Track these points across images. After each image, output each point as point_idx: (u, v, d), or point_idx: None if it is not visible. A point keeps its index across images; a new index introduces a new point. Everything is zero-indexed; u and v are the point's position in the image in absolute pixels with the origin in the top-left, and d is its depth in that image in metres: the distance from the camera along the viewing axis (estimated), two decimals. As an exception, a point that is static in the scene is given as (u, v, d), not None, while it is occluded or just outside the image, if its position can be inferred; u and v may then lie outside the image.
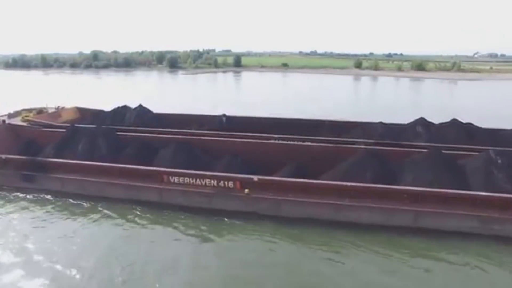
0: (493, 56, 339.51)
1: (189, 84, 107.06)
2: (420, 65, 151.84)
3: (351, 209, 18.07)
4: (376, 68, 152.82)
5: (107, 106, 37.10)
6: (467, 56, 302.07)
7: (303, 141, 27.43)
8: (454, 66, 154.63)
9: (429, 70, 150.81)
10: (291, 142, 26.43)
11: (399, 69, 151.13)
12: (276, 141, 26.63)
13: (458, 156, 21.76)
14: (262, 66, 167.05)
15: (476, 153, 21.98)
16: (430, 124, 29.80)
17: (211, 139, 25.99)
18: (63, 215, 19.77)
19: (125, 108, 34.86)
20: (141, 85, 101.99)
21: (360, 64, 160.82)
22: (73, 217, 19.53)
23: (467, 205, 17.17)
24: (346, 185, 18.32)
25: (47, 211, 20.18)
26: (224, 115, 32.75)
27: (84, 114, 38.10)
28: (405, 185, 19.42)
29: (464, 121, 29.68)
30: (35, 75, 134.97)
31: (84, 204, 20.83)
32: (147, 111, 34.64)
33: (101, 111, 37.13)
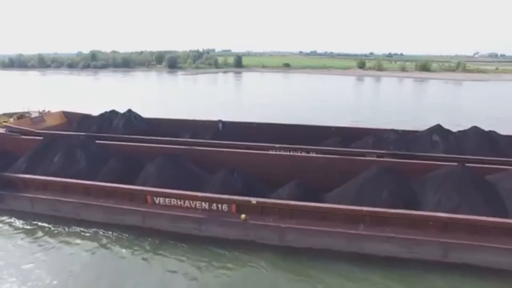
0: (493, 56, 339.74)
1: (188, 85, 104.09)
2: (424, 66, 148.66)
3: (367, 239, 15.22)
4: (379, 68, 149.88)
5: (102, 108, 34.48)
6: (467, 56, 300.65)
7: (307, 152, 24.65)
8: (459, 67, 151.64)
9: (434, 71, 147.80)
10: (294, 154, 23.66)
11: (403, 69, 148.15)
12: (277, 152, 23.87)
13: (486, 171, 18.92)
14: (264, 66, 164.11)
15: (506, 167, 19.25)
16: (447, 132, 26.94)
17: (205, 150, 23.16)
18: (30, 246, 16.88)
19: (113, 113, 31.99)
20: (138, 86, 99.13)
21: (364, 64, 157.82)
22: (43, 248, 16.69)
23: (509, 236, 14.34)
24: (361, 210, 15.48)
25: (14, 240, 17.39)
26: (220, 121, 29.89)
27: (71, 118, 35.29)
28: (429, 208, 16.65)
29: (481, 127, 26.95)
30: (32, 75, 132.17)
31: (56, 230, 17.99)
32: (137, 116, 31.76)
33: (88, 116, 34.37)
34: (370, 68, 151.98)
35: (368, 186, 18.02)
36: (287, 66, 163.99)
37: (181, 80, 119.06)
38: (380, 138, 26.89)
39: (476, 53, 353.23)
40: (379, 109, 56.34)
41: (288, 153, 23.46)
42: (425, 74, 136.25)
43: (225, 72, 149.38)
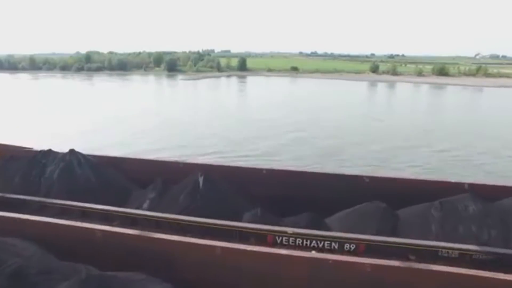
0: (494, 57, 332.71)
1: (189, 92, 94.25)
2: (442, 69, 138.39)
3: None
4: (394, 72, 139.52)
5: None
6: (469, 57, 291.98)
7: (342, 245, 14.12)
8: (480, 70, 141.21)
9: (452, 75, 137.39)
10: (317, 256, 13.26)
11: (420, 73, 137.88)
12: (291, 253, 13.59)
13: None
14: (270, 70, 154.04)
15: None
16: None
17: (170, 241, 13.02)
18: None
19: (48, 154, 21.94)
20: (135, 91, 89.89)
21: (377, 68, 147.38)
22: None
23: None
24: None
25: None
26: (201, 175, 19.52)
27: (3, 153, 25.55)
28: None
29: None
30: (22, 79, 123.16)
31: None
32: (82, 159, 21.46)
33: (23, 152, 24.54)
34: (384, 72, 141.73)
35: None
36: (295, 69, 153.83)
37: (181, 86, 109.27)
38: (451, 208, 15.84)
39: (477, 54, 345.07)
40: (418, 128, 46.00)
41: (310, 255, 13.28)
42: (442, 79, 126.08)
43: (228, 76, 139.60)
